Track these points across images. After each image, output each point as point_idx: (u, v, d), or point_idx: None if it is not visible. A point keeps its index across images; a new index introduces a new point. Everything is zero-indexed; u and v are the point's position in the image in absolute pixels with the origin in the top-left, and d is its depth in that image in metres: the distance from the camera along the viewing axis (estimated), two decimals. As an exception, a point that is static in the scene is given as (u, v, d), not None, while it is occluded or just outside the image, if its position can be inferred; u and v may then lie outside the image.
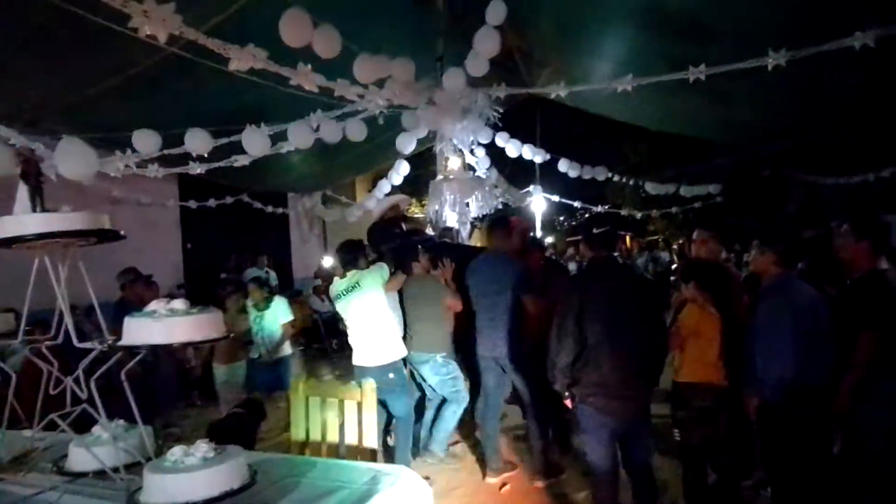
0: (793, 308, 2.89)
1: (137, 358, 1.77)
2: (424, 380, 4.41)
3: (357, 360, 4.09)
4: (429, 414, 4.54)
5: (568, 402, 3.14)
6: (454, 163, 6.09)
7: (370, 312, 3.99)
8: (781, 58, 3.69)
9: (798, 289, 2.99)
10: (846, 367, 2.85)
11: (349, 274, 4.07)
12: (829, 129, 6.75)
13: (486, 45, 3.97)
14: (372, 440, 2.53)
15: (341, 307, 4.12)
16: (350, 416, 2.58)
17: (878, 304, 2.85)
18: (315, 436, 2.63)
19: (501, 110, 5.89)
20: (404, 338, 4.25)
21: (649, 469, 3.18)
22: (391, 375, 3.96)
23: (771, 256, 3.10)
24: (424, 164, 9.97)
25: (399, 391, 4.05)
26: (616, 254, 3.58)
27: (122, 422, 2.08)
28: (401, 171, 7.70)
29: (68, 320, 1.90)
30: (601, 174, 8.59)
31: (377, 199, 8.80)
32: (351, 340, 4.15)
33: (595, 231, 3.22)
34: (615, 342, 2.95)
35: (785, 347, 2.85)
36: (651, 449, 3.33)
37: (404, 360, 4.18)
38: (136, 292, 5.27)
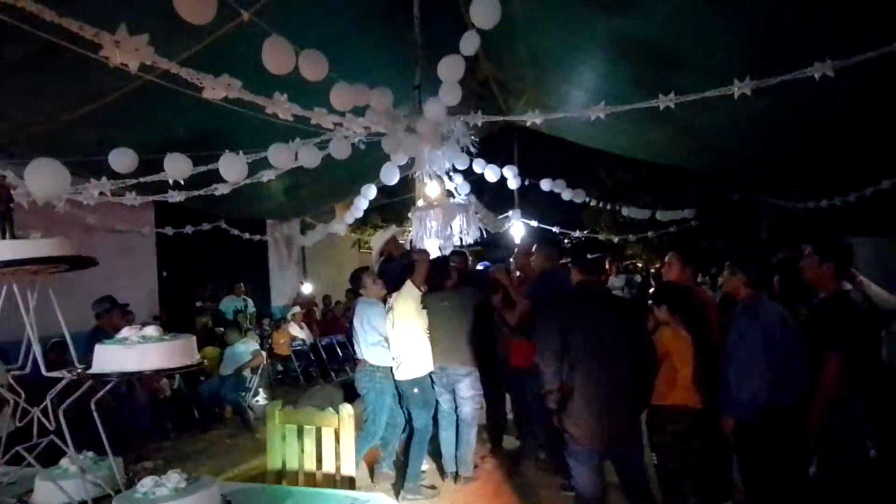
0: (763, 328, 2.95)
1: (108, 386, 1.74)
2: (455, 394, 4.56)
3: (396, 374, 4.51)
4: (445, 434, 4.61)
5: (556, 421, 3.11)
6: (434, 189, 6.13)
7: (402, 333, 4.45)
8: (746, 87, 3.83)
9: (768, 309, 3.06)
10: (818, 387, 2.91)
11: (392, 296, 4.57)
12: (797, 157, 6.97)
13: (450, 71, 4.06)
14: (350, 468, 2.49)
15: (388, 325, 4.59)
16: (327, 443, 2.55)
17: (842, 324, 2.93)
18: (291, 464, 2.59)
19: (478, 139, 5.98)
20: (436, 349, 4.53)
21: (646, 488, 3.13)
22: (416, 390, 4.44)
23: (742, 278, 3.17)
24: (398, 191, 10.03)
25: (421, 405, 4.47)
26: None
27: (91, 453, 2.02)
28: (368, 195, 7.75)
29: (36, 349, 1.86)
30: (580, 196, 8.74)
31: (346, 223, 8.83)
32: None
33: (590, 256, 3.18)
34: (598, 366, 2.92)
35: (757, 367, 2.90)
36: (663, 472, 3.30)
37: (431, 375, 4.55)
38: (111, 322, 5.16)
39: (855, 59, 3.36)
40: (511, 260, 5.95)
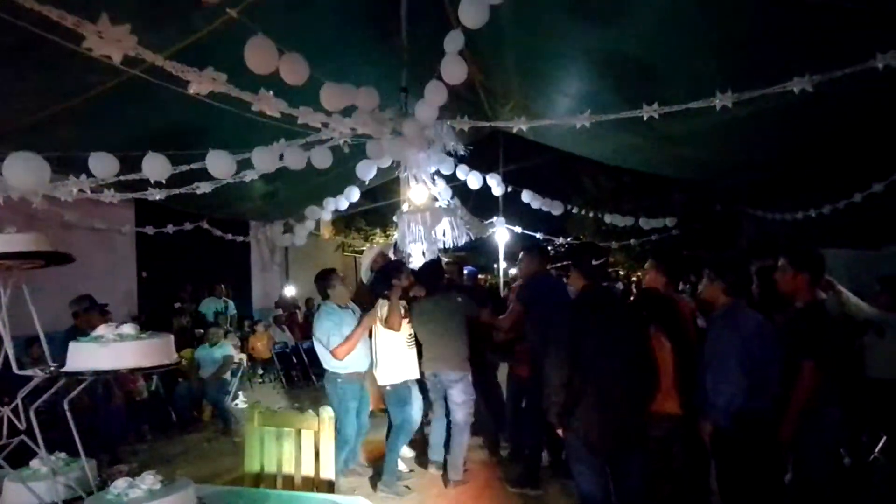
0: (740, 335, 2.99)
1: (82, 385, 1.70)
2: (447, 398, 4.59)
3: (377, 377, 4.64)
4: (435, 436, 4.71)
5: (560, 432, 3.10)
6: (420, 193, 6.13)
7: (385, 339, 4.55)
8: (728, 99, 3.90)
9: (746, 316, 3.10)
10: (792, 395, 2.95)
11: (379, 303, 4.59)
12: (775, 169, 7.10)
13: (452, 72, 4.05)
14: (329, 471, 2.47)
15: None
16: (307, 446, 2.52)
17: (817, 334, 2.98)
18: (270, 468, 2.56)
19: (466, 144, 6.02)
20: (427, 355, 4.56)
21: (642, 499, 3.08)
22: (388, 388, 4.56)
23: (720, 285, 3.21)
24: (383, 195, 10.02)
25: (395, 402, 4.57)
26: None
27: (63, 455, 1.98)
28: (351, 197, 7.72)
29: (8, 346, 1.81)
30: (557, 208, 8.78)
31: (324, 219, 8.81)
32: None
33: (595, 262, 3.16)
34: (608, 372, 2.92)
35: (733, 373, 2.94)
36: (645, 478, 3.19)
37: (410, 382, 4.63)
38: (90, 321, 5.06)
39: (833, 73, 3.44)
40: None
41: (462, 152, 6.08)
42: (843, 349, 3.17)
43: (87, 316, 5.18)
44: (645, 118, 4.25)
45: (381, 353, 4.54)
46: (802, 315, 3.12)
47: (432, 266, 4.97)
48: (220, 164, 4.36)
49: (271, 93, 3.38)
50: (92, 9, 2.47)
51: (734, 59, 4.42)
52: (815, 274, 3.15)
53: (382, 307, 4.51)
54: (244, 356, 8.74)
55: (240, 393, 8.05)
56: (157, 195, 5.58)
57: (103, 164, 4.31)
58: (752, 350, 2.94)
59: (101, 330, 1.72)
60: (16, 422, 1.80)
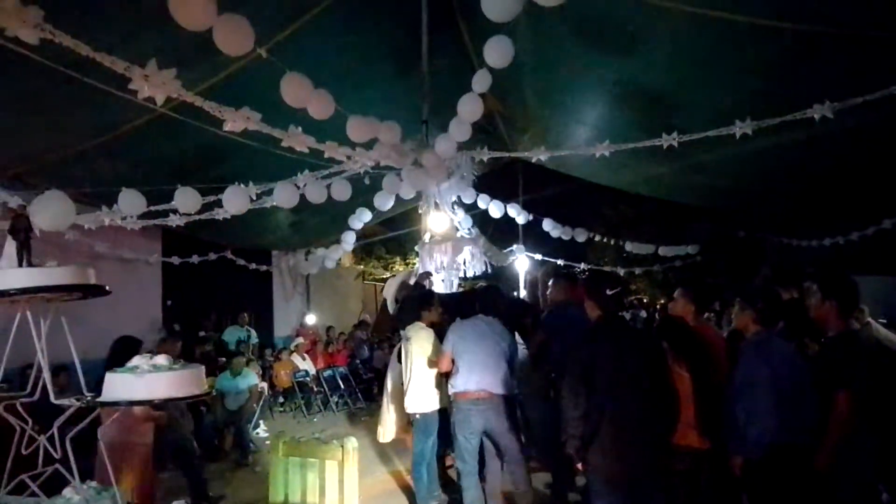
0: (772, 366, 2.92)
1: (116, 414, 1.74)
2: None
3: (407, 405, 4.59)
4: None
5: (579, 466, 3.05)
6: (441, 222, 6.18)
7: (419, 365, 4.50)
8: (747, 127, 3.90)
9: (777, 347, 3.03)
10: (827, 427, 2.87)
11: (408, 328, 4.60)
12: (800, 196, 7.03)
13: (468, 109, 4.14)
14: (353, 501, 2.46)
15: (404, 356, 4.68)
16: (331, 476, 2.52)
17: (850, 364, 2.89)
18: (294, 498, 2.56)
19: (478, 173, 6.11)
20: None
21: None
22: (417, 416, 4.50)
23: (751, 314, 3.15)
24: (402, 224, 10.12)
25: (421, 430, 4.50)
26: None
27: (94, 483, 2.01)
28: (363, 218, 7.82)
29: (46, 376, 1.86)
30: (581, 235, 8.78)
31: (343, 249, 8.93)
32: None
33: (609, 292, 3.12)
34: (624, 403, 2.88)
35: (765, 405, 2.87)
36: None
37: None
38: (166, 350, 5.14)
39: (853, 101, 3.43)
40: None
41: (476, 178, 6.15)
42: (878, 379, 3.06)
43: (164, 346, 5.25)
44: (665, 147, 4.27)
45: (415, 380, 4.48)
46: (835, 344, 3.04)
47: (465, 293, 4.95)
48: (236, 200, 4.49)
49: (300, 129, 3.48)
50: (124, 51, 2.58)
51: (753, 88, 4.44)
52: (845, 301, 3.05)
53: (418, 332, 4.49)
54: (265, 384, 8.78)
55: (260, 422, 8.04)
56: (177, 221, 5.68)
57: (131, 202, 4.44)
58: (784, 381, 2.87)
59: (136, 360, 1.76)
60: (51, 450, 1.84)
